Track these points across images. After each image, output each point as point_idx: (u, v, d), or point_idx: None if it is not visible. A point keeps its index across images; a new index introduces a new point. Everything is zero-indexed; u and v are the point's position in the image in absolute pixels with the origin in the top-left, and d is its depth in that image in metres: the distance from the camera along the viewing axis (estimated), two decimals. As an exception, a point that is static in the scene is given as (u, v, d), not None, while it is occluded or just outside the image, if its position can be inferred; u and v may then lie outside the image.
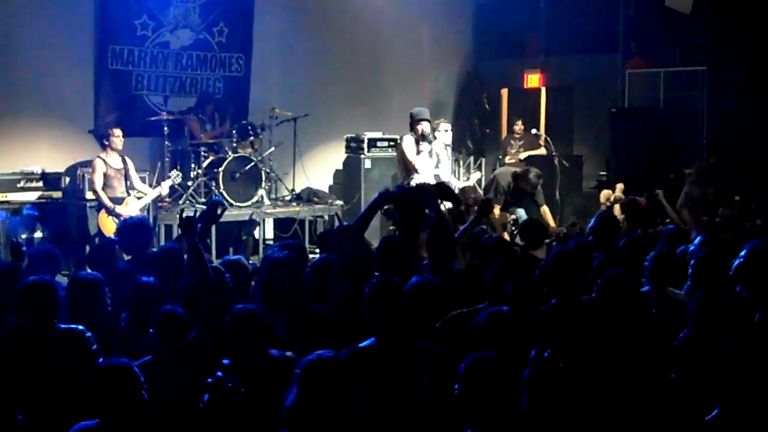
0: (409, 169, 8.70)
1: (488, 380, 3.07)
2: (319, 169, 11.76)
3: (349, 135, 11.26)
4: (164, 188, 8.79)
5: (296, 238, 9.77)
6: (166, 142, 9.74)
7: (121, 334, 4.53)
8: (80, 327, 4.22)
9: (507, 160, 11.29)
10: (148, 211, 8.85)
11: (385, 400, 3.52)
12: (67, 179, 9.27)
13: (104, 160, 8.51)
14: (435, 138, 8.97)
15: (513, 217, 9.31)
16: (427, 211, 5.53)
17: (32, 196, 8.94)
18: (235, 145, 9.84)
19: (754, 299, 4.36)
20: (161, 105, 10.54)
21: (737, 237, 6.32)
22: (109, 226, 8.28)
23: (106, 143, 8.60)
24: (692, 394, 3.50)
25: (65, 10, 9.89)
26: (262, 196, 10.07)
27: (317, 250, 7.74)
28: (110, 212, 8.38)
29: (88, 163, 8.78)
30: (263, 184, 10.00)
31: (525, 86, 12.76)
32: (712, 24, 11.48)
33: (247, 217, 8.21)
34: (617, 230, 6.39)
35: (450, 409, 3.21)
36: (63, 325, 4.24)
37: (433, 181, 8.32)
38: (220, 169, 9.59)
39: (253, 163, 9.84)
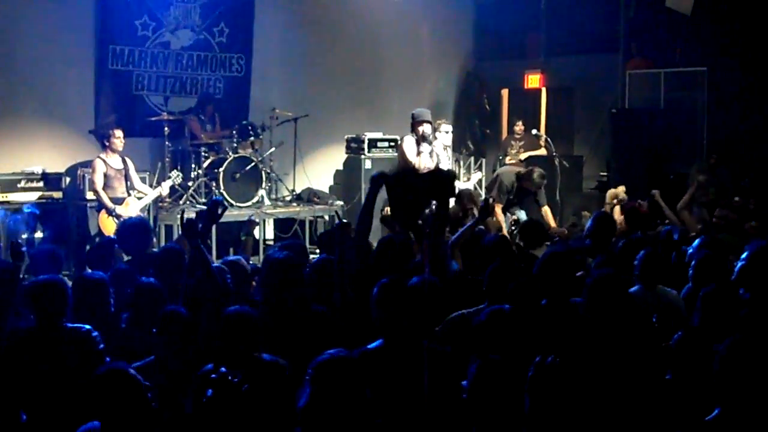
0: (409, 169, 8.70)
1: (496, 384, 3.07)
2: (319, 169, 11.77)
3: (349, 135, 11.26)
4: (164, 188, 8.78)
5: (296, 238, 9.77)
6: (167, 143, 9.73)
7: (121, 335, 4.53)
8: (87, 327, 4.20)
9: (507, 160, 11.29)
10: (149, 211, 8.86)
11: (396, 402, 3.52)
12: (68, 179, 9.25)
13: (104, 161, 8.50)
14: (435, 138, 8.98)
15: (514, 217, 9.31)
16: (427, 211, 5.50)
17: (33, 197, 8.92)
18: (235, 145, 9.82)
19: (757, 301, 4.36)
20: (161, 105, 10.55)
21: (734, 238, 6.32)
22: (109, 227, 8.27)
23: (107, 144, 8.58)
24: (691, 394, 3.49)
25: (65, 10, 9.87)
26: (262, 197, 10.06)
27: (317, 251, 7.74)
28: (110, 212, 8.37)
29: (89, 164, 8.77)
30: (264, 185, 9.99)
31: (525, 87, 12.76)
32: (712, 24, 11.46)
33: (247, 218, 8.21)
34: (614, 231, 6.38)
35: (458, 409, 3.20)
36: (70, 324, 4.22)
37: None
38: (221, 169, 9.58)
39: (253, 164, 9.83)
